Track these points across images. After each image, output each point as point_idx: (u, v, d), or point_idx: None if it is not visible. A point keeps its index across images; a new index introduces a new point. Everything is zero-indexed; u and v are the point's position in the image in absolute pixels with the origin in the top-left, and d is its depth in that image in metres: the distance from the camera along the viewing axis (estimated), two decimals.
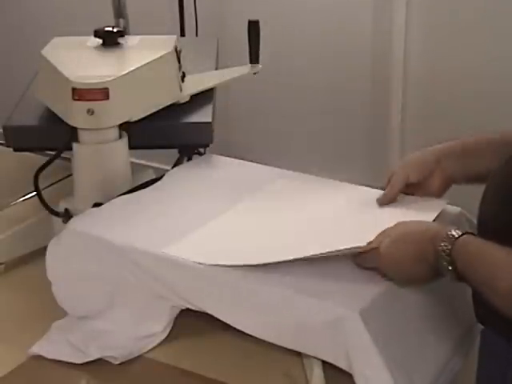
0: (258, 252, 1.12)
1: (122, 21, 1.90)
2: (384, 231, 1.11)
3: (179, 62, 1.46)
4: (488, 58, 1.96)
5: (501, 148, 1.20)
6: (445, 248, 1.02)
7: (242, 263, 1.09)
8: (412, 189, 1.26)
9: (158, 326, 1.17)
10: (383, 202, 1.26)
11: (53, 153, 1.37)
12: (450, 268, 1.01)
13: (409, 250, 1.07)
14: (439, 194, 1.27)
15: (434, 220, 1.19)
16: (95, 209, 1.28)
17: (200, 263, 1.11)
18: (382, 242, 1.09)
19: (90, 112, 1.30)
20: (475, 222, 1.14)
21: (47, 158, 1.37)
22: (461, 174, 1.25)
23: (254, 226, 1.21)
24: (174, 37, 1.49)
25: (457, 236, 1.02)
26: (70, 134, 1.34)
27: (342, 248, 1.08)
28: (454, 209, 1.27)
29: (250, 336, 1.10)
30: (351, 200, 1.28)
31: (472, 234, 1.04)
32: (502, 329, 1.05)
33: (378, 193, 1.28)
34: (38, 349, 1.16)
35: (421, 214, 1.19)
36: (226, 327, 1.11)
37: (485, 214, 1.09)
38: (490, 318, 1.07)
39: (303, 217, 1.23)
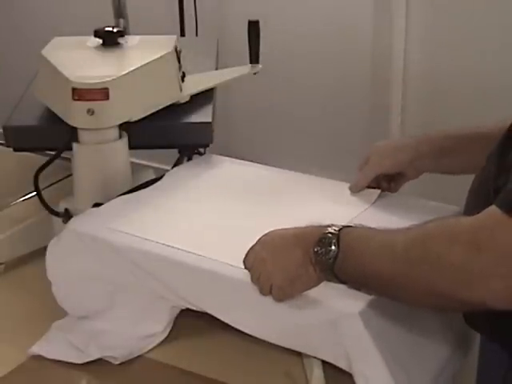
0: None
1: (122, 21, 1.89)
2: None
3: (179, 61, 1.46)
4: (489, 59, 1.96)
5: (478, 145, 1.21)
6: (332, 230, 0.99)
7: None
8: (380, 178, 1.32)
9: (158, 326, 1.17)
10: (355, 191, 1.30)
11: (53, 153, 1.37)
12: (333, 248, 0.98)
13: (287, 238, 1.05)
14: (404, 182, 1.33)
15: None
16: (95, 209, 1.28)
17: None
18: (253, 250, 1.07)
19: (90, 112, 1.30)
20: None
21: (47, 158, 1.37)
22: (433, 171, 1.30)
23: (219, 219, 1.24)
24: (174, 37, 1.49)
25: (341, 227, 1.00)
26: (70, 134, 1.34)
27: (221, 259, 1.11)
28: (454, 208, 1.27)
29: (250, 336, 1.10)
30: (332, 198, 1.30)
31: None
32: (492, 332, 1.05)
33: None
34: (37, 349, 1.16)
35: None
36: (226, 327, 1.11)
37: None
38: (479, 320, 1.07)
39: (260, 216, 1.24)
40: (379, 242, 0.96)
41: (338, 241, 0.98)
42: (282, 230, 1.07)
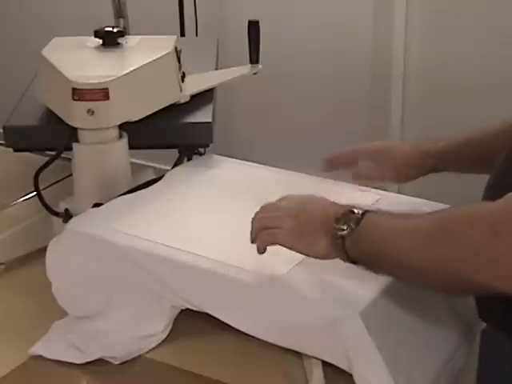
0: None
1: (122, 21, 1.90)
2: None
3: (179, 61, 1.46)
4: (489, 57, 1.96)
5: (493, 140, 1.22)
6: (356, 211, 1.00)
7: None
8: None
9: (158, 326, 1.17)
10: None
11: (53, 153, 1.37)
12: (352, 225, 0.99)
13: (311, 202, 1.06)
14: None
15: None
16: (95, 209, 1.28)
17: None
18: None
19: (90, 112, 1.30)
20: None
21: (47, 158, 1.37)
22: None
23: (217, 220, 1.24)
24: (174, 37, 1.49)
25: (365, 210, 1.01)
26: (70, 134, 1.34)
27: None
28: None
29: (250, 336, 1.10)
30: (331, 199, 1.29)
31: None
32: (502, 322, 1.05)
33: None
34: (37, 349, 1.16)
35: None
36: (226, 327, 1.11)
37: None
38: (492, 312, 1.07)
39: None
40: (402, 226, 0.97)
41: (358, 221, 0.99)
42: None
